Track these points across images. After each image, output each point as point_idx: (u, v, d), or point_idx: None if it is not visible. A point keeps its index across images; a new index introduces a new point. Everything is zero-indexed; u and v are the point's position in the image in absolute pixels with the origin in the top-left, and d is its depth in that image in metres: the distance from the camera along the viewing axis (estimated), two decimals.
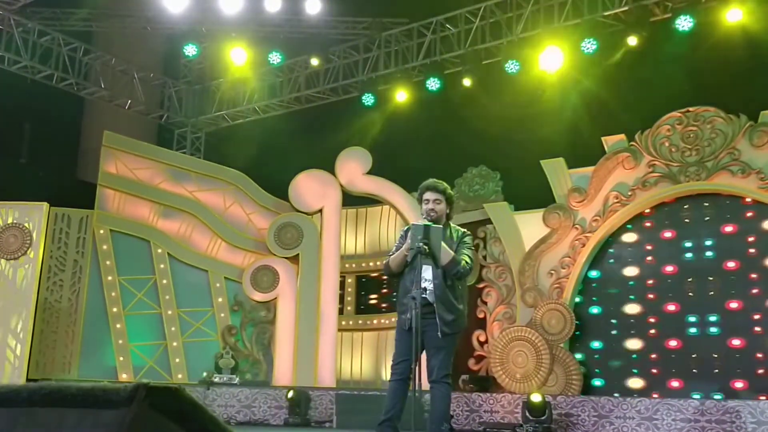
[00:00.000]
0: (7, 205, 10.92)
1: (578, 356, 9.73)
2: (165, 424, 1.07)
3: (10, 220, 10.85)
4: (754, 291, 8.94)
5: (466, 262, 4.63)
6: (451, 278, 4.59)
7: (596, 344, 9.87)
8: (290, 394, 9.82)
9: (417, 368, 4.53)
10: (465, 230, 4.88)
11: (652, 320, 9.53)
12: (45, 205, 11.03)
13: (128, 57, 13.81)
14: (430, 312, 4.57)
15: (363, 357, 11.98)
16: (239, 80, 14.03)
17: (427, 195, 4.83)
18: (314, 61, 12.75)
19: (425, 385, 4.75)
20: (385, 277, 11.52)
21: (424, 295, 4.58)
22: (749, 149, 9.02)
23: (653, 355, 9.44)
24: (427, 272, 4.60)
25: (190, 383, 10.78)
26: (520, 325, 9.99)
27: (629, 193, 9.72)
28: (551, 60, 10.91)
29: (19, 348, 10.48)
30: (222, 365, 10.86)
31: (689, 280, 9.36)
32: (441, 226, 4.74)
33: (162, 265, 11.42)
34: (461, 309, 4.64)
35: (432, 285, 4.58)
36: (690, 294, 9.32)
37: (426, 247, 4.51)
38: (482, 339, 10.53)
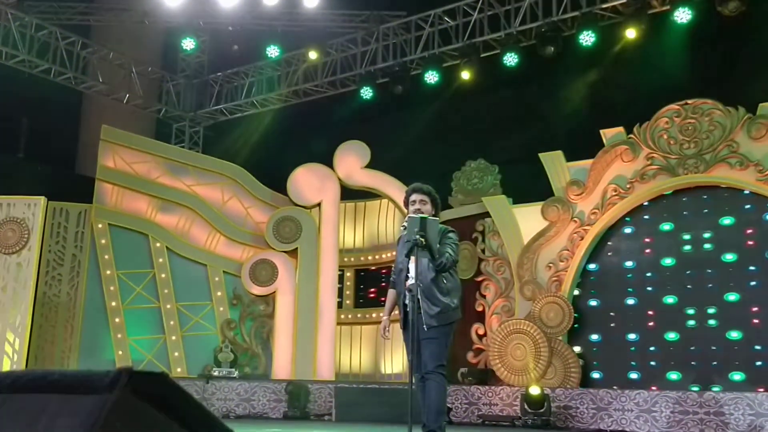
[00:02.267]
0: (5, 200, 10.91)
1: (576, 349, 9.73)
2: (148, 410, 1.07)
3: (8, 215, 10.84)
4: (752, 283, 8.93)
5: (450, 254, 4.69)
6: (435, 271, 4.63)
7: (595, 337, 9.87)
8: (288, 387, 9.85)
9: (415, 362, 4.57)
10: (449, 228, 4.94)
11: (650, 313, 9.53)
12: (43, 199, 11.03)
13: (126, 51, 13.78)
14: (418, 307, 4.64)
15: (362, 350, 12.00)
16: (237, 74, 14.01)
17: (414, 197, 4.93)
18: (312, 55, 12.68)
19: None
20: (384, 271, 11.53)
21: (413, 293, 4.66)
22: (747, 141, 9.00)
23: (651, 348, 9.44)
24: (412, 269, 4.66)
25: (189, 377, 10.79)
26: (518, 318, 9.99)
27: (628, 186, 9.71)
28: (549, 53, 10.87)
29: (18, 342, 10.49)
30: (221, 359, 10.87)
31: (687, 272, 9.35)
32: (437, 218, 4.79)
33: (161, 259, 11.43)
34: (446, 302, 4.66)
35: (416, 279, 4.62)
36: (689, 286, 9.31)
37: (423, 240, 4.53)
38: (481, 332, 10.53)
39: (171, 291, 11.35)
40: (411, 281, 4.66)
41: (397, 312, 4.96)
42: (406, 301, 4.75)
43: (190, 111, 14.80)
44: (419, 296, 4.60)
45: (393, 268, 5.04)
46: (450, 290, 4.73)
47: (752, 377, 8.65)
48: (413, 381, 4.58)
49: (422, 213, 4.82)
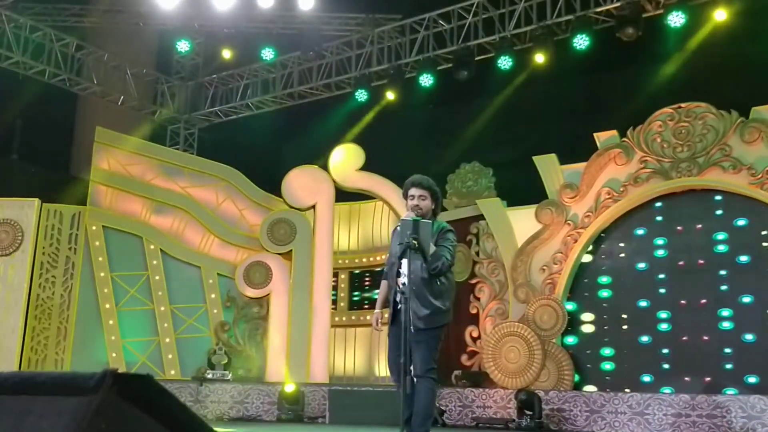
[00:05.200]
0: None
1: (570, 351, 9.73)
2: (133, 411, 1.07)
3: (1, 217, 10.82)
4: (745, 285, 8.97)
5: (447, 258, 4.55)
6: (429, 274, 4.51)
7: (588, 340, 9.88)
8: (289, 388, 9.84)
9: (405, 363, 4.53)
10: (448, 226, 4.77)
11: (644, 315, 9.54)
12: (37, 201, 11.01)
13: (121, 53, 13.77)
14: (408, 306, 4.60)
15: (356, 352, 12.00)
16: (232, 76, 14.03)
17: (412, 191, 4.74)
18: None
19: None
20: (378, 272, 11.52)
21: (404, 290, 4.59)
22: (740, 145, 9.04)
23: (646, 350, 9.46)
24: (405, 266, 4.56)
25: (183, 379, 10.78)
26: (512, 320, 10.01)
27: (621, 189, 9.74)
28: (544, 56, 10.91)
29: (11, 345, 10.46)
30: (215, 361, 10.86)
31: (682, 275, 9.37)
32: (430, 221, 4.70)
33: (154, 261, 11.41)
34: (437, 305, 4.54)
35: (408, 279, 4.53)
36: (682, 289, 9.34)
37: (415, 242, 4.48)
38: (475, 335, 10.55)
39: (165, 293, 11.33)
40: (402, 278, 4.59)
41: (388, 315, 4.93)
42: (397, 299, 4.67)
43: (185, 113, 14.80)
44: (409, 297, 4.54)
45: (387, 260, 4.95)
46: (443, 292, 4.62)
47: (744, 379, 8.68)
48: (405, 381, 4.53)
49: (420, 209, 4.67)
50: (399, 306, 4.61)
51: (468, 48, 11.53)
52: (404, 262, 4.52)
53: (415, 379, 4.57)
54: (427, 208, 4.72)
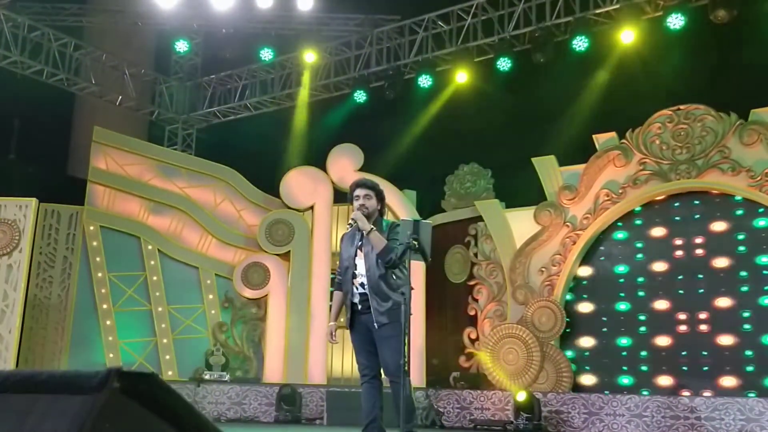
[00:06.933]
0: None
1: (568, 353, 9.74)
2: (138, 409, 1.06)
3: None
4: (744, 288, 8.96)
5: (397, 249, 4.63)
6: (385, 267, 4.61)
7: (586, 342, 9.87)
8: (283, 390, 9.81)
9: (406, 365, 4.55)
10: (397, 221, 4.89)
11: (642, 318, 9.54)
12: (34, 200, 10.97)
13: (119, 53, 13.74)
14: (368, 306, 4.66)
15: (354, 354, 11.95)
16: (230, 77, 14.01)
17: (357, 192, 4.84)
18: (310, 57, 12.69)
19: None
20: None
21: (362, 291, 4.67)
22: (739, 147, 9.04)
23: (643, 353, 9.46)
24: (360, 266, 4.67)
25: (180, 380, 10.75)
26: (510, 322, 9.99)
27: (620, 191, 9.73)
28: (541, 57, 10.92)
29: (8, 345, 10.42)
30: (212, 362, 10.83)
31: (679, 277, 9.37)
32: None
33: (152, 262, 11.38)
34: (396, 299, 4.58)
35: (365, 277, 4.64)
36: (680, 291, 9.34)
37: (416, 243, 4.54)
38: (473, 336, 10.53)
39: (162, 293, 11.30)
40: (360, 279, 4.68)
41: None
42: (355, 300, 4.74)
43: (183, 113, 14.78)
44: (368, 294, 4.62)
45: (338, 268, 4.97)
46: (400, 286, 4.65)
47: (743, 382, 8.68)
48: (379, 379, 4.59)
49: (367, 208, 4.77)
50: (358, 307, 4.70)
51: (467, 49, 11.49)
52: (360, 262, 4.63)
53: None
54: (373, 207, 4.83)
